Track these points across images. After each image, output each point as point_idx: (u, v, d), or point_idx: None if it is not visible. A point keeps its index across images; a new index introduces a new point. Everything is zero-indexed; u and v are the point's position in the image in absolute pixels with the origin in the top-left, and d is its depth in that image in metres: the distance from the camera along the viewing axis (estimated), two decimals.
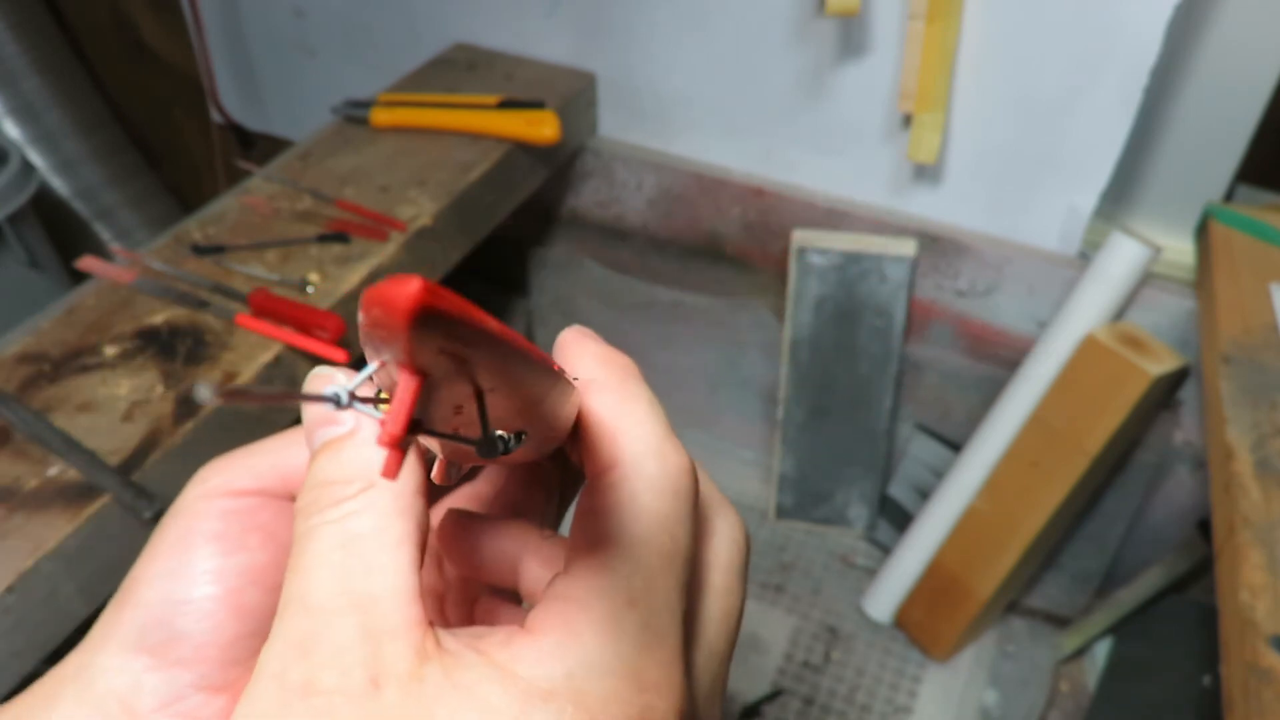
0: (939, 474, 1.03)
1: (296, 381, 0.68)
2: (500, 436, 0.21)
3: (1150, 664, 0.94)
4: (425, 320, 0.14)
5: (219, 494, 0.27)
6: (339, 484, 0.23)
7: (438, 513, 0.30)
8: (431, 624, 0.22)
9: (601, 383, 0.25)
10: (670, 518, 0.23)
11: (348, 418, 0.24)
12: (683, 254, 1.09)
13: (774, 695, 0.98)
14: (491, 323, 0.16)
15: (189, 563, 0.26)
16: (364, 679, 0.20)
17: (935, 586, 0.99)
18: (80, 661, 0.26)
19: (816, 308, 0.99)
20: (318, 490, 0.23)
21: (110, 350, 0.66)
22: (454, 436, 0.19)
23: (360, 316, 0.16)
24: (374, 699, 0.20)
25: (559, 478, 0.31)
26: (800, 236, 0.97)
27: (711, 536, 0.27)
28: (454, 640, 0.22)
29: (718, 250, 1.06)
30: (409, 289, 0.14)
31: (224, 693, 0.26)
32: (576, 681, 0.21)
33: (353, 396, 0.18)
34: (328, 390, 0.18)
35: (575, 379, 0.26)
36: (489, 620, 0.30)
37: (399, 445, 0.18)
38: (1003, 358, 0.97)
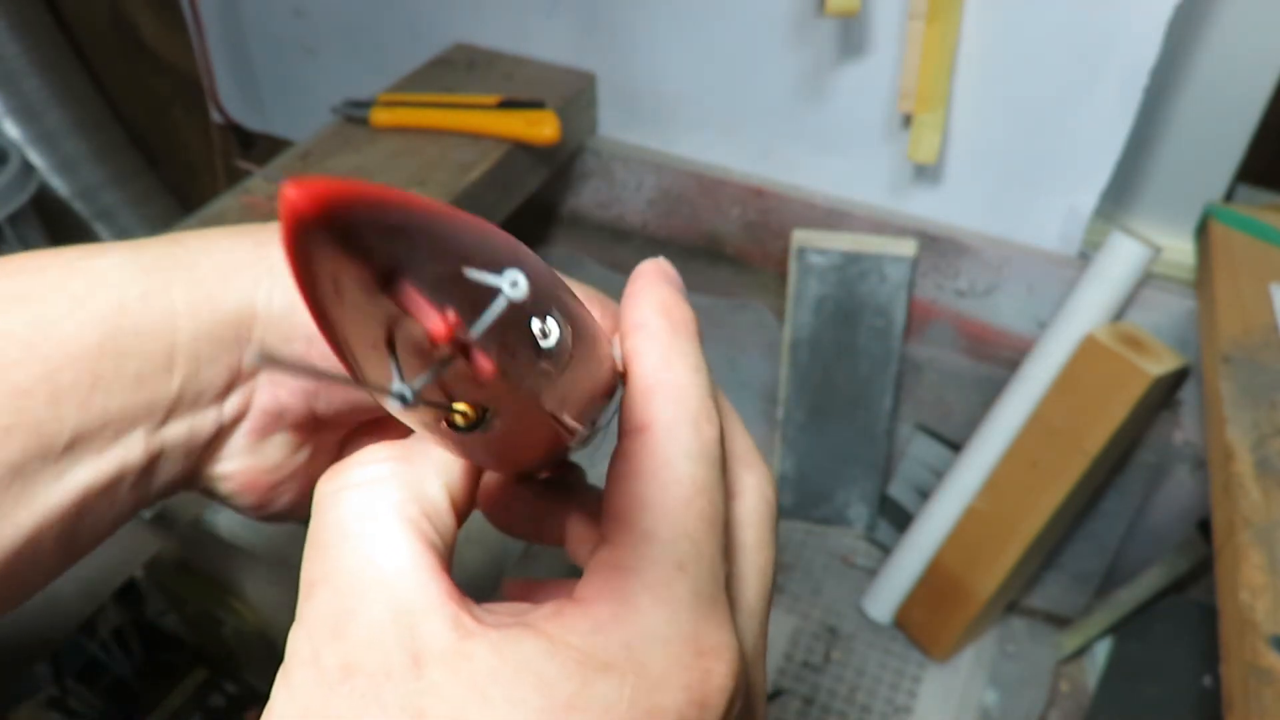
0: (939, 474, 1.03)
1: None
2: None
3: (1150, 664, 0.94)
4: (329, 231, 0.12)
5: None
6: (368, 448, 0.23)
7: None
8: (465, 597, 0.21)
9: (651, 331, 0.25)
10: (707, 482, 0.23)
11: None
12: (683, 254, 1.09)
13: (774, 695, 0.98)
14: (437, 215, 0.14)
15: None
16: (404, 658, 0.20)
17: (935, 586, 1.00)
18: (258, 271, 0.27)
19: (816, 308, 0.99)
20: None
21: None
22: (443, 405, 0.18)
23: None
24: (418, 678, 0.19)
25: None
26: (800, 236, 0.97)
27: (742, 494, 0.27)
28: (495, 615, 0.21)
29: (718, 250, 1.06)
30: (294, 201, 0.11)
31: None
32: (635, 652, 0.20)
33: (419, 396, 0.16)
34: (394, 387, 0.16)
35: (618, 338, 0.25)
36: (524, 597, 0.30)
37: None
38: (1003, 358, 0.97)
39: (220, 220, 0.79)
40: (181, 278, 0.26)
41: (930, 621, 1.01)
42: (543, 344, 0.19)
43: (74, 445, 0.25)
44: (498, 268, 0.15)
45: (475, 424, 0.19)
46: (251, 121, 1.33)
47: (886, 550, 1.09)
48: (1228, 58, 0.82)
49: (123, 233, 1.42)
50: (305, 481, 0.32)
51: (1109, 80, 0.80)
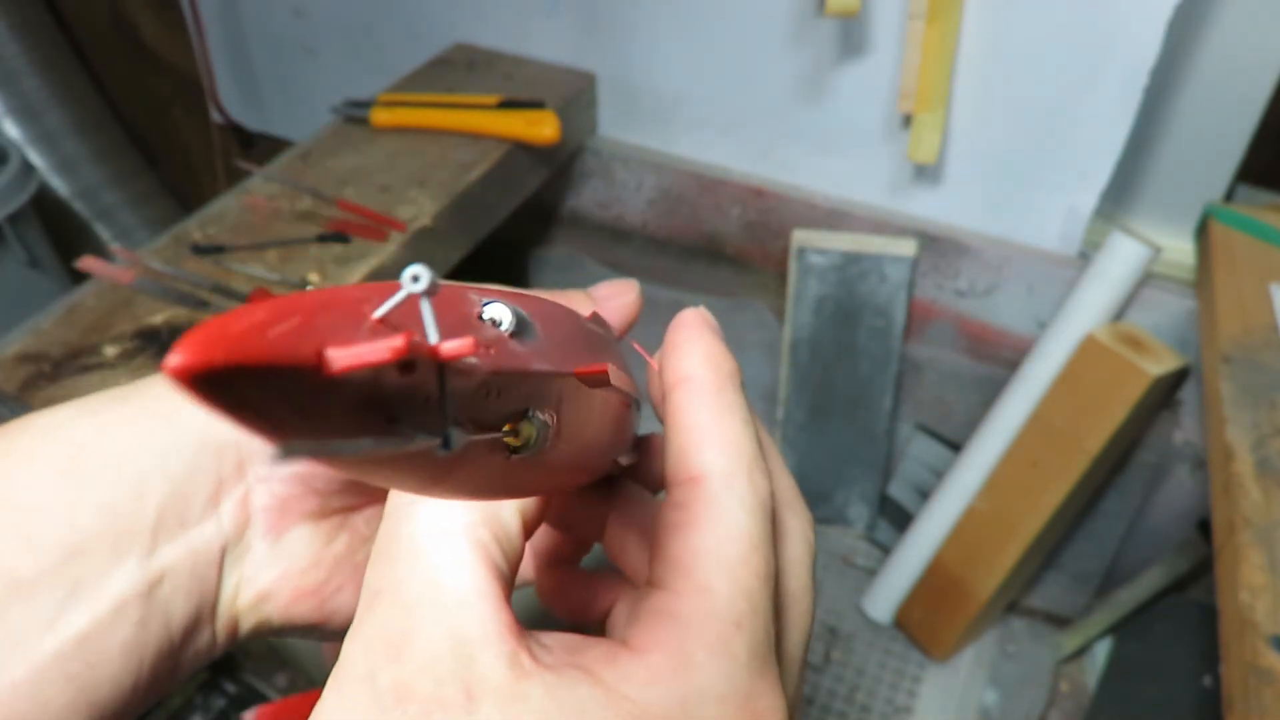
0: (939, 474, 1.03)
1: None
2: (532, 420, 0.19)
3: (1150, 664, 0.94)
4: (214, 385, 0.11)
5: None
6: None
7: None
8: (524, 631, 0.21)
9: (700, 383, 0.25)
10: (761, 537, 0.23)
11: None
12: (683, 254, 1.09)
13: None
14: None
15: None
16: (459, 690, 0.19)
17: (935, 586, 1.00)
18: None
19: (816, 308, 0.99)
20: None
21: (110, 350, 0.66)
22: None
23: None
24: (470, 713, 0.19)
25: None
26: (800, 236, 0.97)
27: (787, 536, 0.27)
28: (550, 653, 0.21)
29: (718, 250, 1.06)
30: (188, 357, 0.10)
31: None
32: (690, 709, 0.20)
33: (459, 436, 0.15)
34: (419, 443, 0.14)
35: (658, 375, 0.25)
36: (582, 593, 0.30)
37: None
38: (1003, 358, 0.97)
39: (220, 220, 0.79)
40: (131, 409, 0.26)
41: (930, 621, 1.01)
42: (493, 318, 0.18)
43: (49, 582, 0.24)
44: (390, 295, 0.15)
45: (529, 442, 0.19)
46: (251, 121, 1.33)
47: (886, 550, 1.09)
48: (1228, 58, 0.82)
49: (123, 233, 1.42)
50: (360, 570, 0.30)
51: (1109, 80, 0.80)
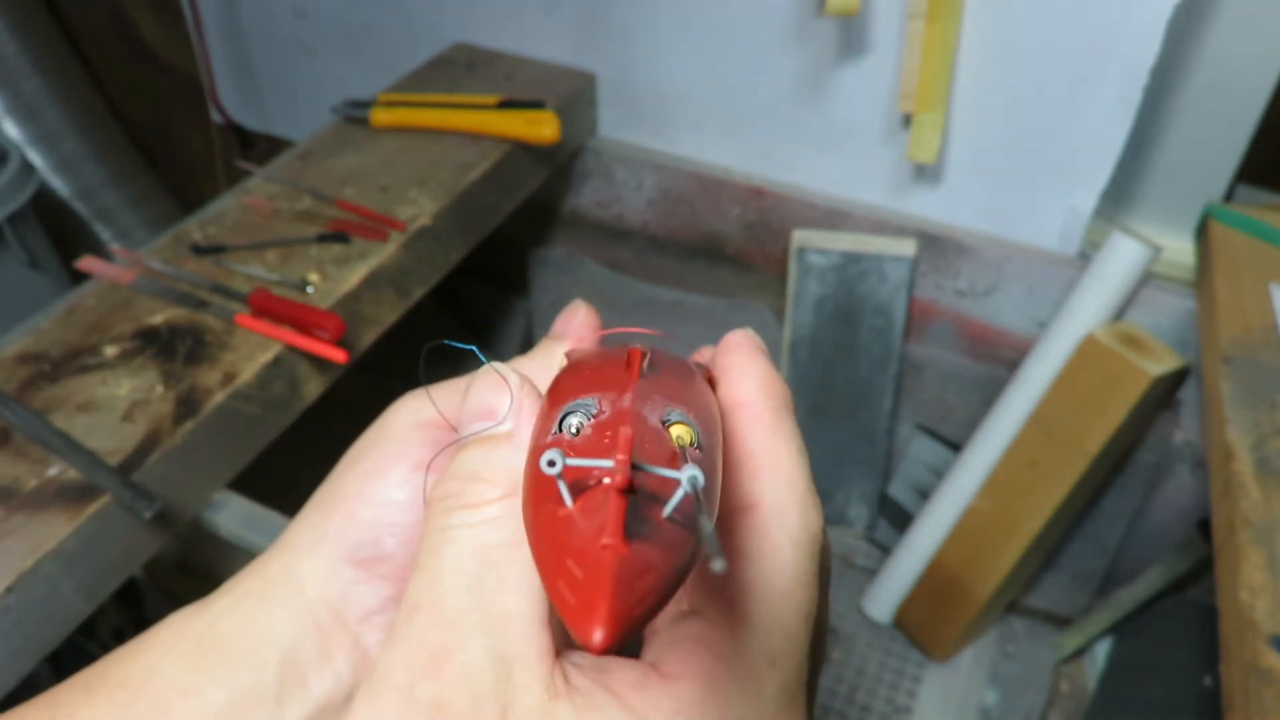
0: (939, 474, 1.03)
1: (297, 381, 0.69)
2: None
3: (1150, 664, 0.94)
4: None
5: (430, 424, 0.27)
6: (484, 484, 0.23)
7: None
8: (559, 653, 0.21)
9: (755, 410, 0.25)
10: (808, 573, 0.23)
11: (510, 418, 0.23)
12: (682, 254, 1.09)
13: None
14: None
15: (398, 485, 0.26)
16: (494, 709, 0.20)
17: (935, 586, 0.99)
18: (285, 566, 0.27)
19: (816, 308, 0.99)
20: (460, 483, 0.23)
21: (110, 350, 0.66)
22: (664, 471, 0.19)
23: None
24: None
25: None
26: (800, 236, 0.97)
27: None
28: (581, 675, 0.21)
29: (718, 250, 1.06)
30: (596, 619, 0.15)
31: None
32: None
33: (567, 467, 0.18)
34: (544, 460, 0.17)
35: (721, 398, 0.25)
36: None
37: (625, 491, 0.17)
38: (1003, 358, 0.97)
39: (220, 220, 0.79)
40: (235, 597, 0.27)
41: (930, 621, 1.01)
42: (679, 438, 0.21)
43: None
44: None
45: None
46: (251, 121, 1.33)
47: (886, 550, 1.09)
48: (1228, 58, 0.82)
49: (123, 233, 1.42)
50: None
51: (1109, 80, 0.80)
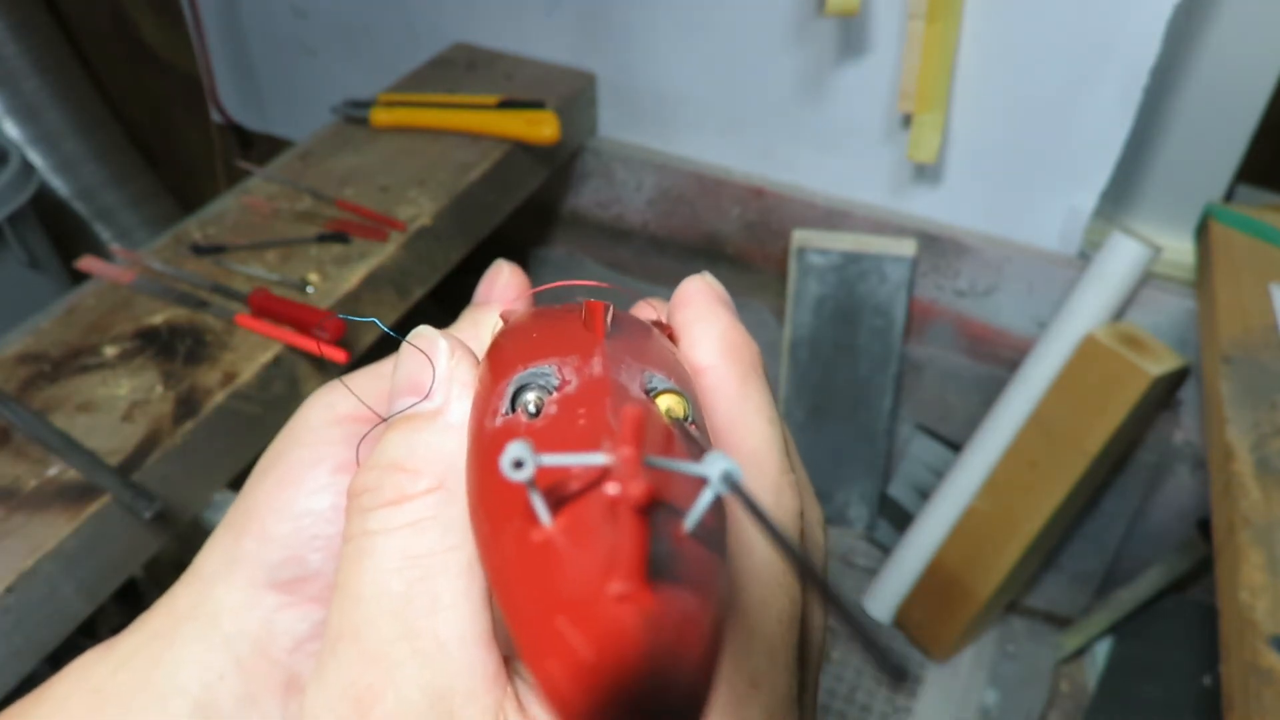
0: (939, 474, 1.03)
1: (297, 381, 0.69)
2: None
3: (1150, 664, 0.94)
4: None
5: (346, 419, 0.23)
6: (406, 474, 0.19)
7: None
8: (509, 674, 0.18)
9: (720, 377, 0.21)
10: (788, 572, 0.19)
11: (438, 392, 0.19)
12: (683, 254, 1.09)
13: None
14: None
15: (317, 492, 0.22)
16: None
17: (935, 586, 0.99)
18: (195, 597, 0.23)
19: (816, 308, 0.99)
20: (379, 474, 0.19)
21: (110, 350, 0.66)
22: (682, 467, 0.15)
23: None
24: None
25: None
26: (800, 236, 0.97)
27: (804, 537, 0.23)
28: (536, 700, 0.18)
29: (718, 250, 1.06)
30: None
31: None
32: None
33: (541, 469, 0.13)
34: (506, 459, 0.13)
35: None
36: None
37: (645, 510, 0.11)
38: (1003, 358, 0.97)
39: (220, 220, 0.79)
40: (143, 637, 0.23)
41: (930, 621, 1.01)
42: (669, 409, 0.17)
43: None
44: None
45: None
46: (251, 121, 1.33)
47: (886, 550, 1.09)
48: (1228, 58, 0.82)
49: (123, 233, 1.42)
50: None
51: (1109, 80, 0.80)
